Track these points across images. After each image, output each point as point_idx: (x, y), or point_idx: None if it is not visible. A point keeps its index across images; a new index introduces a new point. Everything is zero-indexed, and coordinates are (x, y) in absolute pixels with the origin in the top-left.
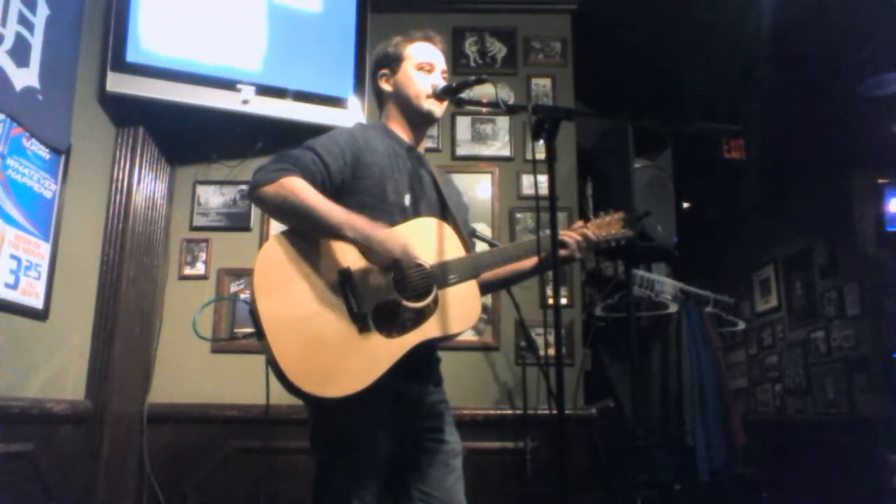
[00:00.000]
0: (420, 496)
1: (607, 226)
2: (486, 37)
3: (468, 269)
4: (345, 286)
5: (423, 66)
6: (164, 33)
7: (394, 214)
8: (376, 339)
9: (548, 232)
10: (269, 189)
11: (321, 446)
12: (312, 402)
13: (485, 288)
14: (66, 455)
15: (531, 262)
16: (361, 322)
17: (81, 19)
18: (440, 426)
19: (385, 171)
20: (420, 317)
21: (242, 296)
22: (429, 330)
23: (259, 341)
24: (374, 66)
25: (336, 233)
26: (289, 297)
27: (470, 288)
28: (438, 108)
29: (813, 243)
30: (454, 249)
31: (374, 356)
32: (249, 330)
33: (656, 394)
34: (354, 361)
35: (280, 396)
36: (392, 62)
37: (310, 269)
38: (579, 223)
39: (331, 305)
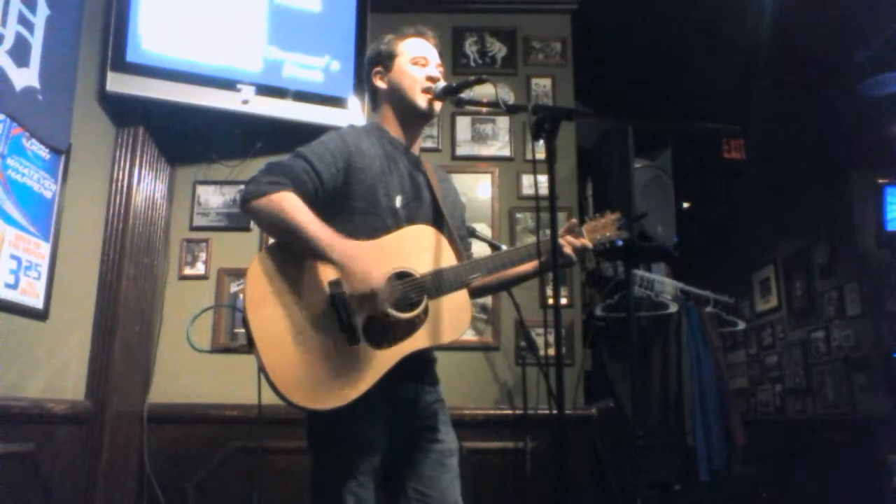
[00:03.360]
0: (416, 495)
1: (602, 228)
2: (486, 37)
3: (460, 278)
4: (335, 298)
5: (417, 60)
6: (164, 33)
7: (385, 218)
8: (366, 351)
9: (546, 233)
10: (261, 203)
11: (318, 445)
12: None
13: (484, 291)
14: (66, 455)
15: (530, 265)
16: (351, 333)
17: (81, 19)
18: (436, 425)
19: (377, 175)
20: (410, 327)
21: (241, 296)
22: (419, 340)
23: (250, 351)
24: (367, 65)
25: (322, 256)
26: (280, 308)
27: (460, 297)
28: (435, 103)
29: (813, 243)
30: (446, 258)
31: (363, 367)
32: (240, 330)
33: (656, 394)
34: (344, 373)
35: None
36: (385, 59)
37: (301, 280)
38: (573, 222)
39: (321, 317)
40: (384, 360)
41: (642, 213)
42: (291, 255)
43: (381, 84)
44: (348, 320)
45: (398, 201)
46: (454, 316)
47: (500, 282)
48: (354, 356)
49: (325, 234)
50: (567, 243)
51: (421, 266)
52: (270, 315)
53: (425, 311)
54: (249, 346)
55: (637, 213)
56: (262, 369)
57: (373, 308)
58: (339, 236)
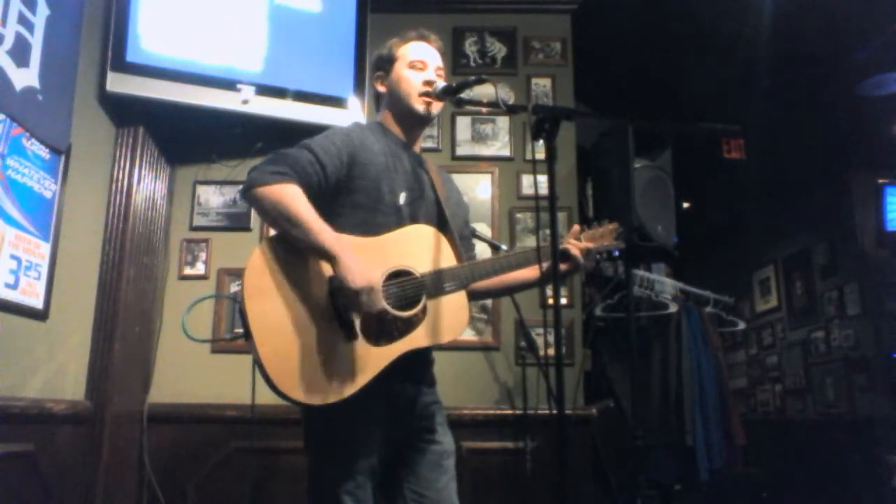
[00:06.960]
0: (413, 496)
1: (600, 237)
2: (486, 37)
3: (460, 279)
4: (333, 293)
5: (415, 64)
6: (164, 33)
7: (388, 214)
8: (363, 348)
9: (547, 236)
10: (264, 191)
11: (315, 446)
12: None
13: (484, 295)
14: (66, 455)
15: (532, 271)
16: (348, 330)
17: (81, 19)
18: (433, 427)
19: (381, 171)
20: (408, 326)
21: (234, 288)
22: (416, 339)
23: (247, 342)
24: (370, 69)
25: (320, 250)
26: (278, 301)
27: (459, 298)
28: (432, 106)
29: (813, 243)
30: (446, 258)
31: (359, 364)
32: (239, 330)
33: (656, 394)
34: (340, 369)
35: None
36: (386, 63)
37: (300, 274)
38: (576, 228)
39: (319, 312)
40: (381, 357)
41: (639, 224)
42: (292, 247)
43: (381, 88)
44: (346, 316)
45: (402, 198)
46: (452, 316)
47: (502, 287)
48: (351, 352)
49: (324, 229)
50: (573, 245)
51: (421, 265)
52: (268, 306)
53: (423, 311)
54: (246, 337)
55: (637, 212)
56: (257, 361)
57: (370, 304)
58: (338, 234)
